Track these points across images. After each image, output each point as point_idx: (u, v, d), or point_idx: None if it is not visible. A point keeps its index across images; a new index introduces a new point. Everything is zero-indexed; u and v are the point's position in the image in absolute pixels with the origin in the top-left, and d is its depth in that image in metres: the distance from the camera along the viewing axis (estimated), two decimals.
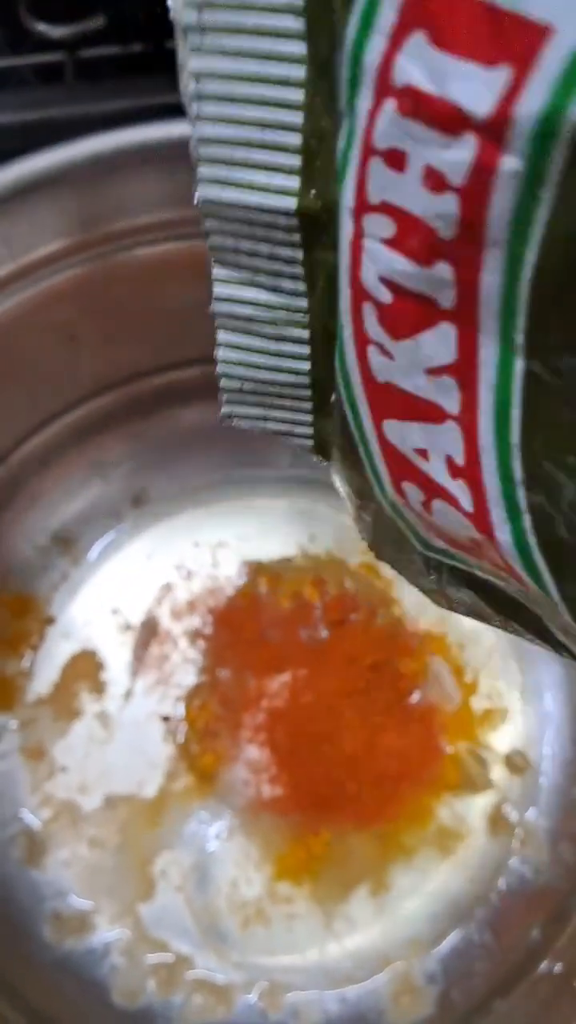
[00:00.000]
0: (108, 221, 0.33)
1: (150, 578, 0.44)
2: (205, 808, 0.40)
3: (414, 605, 0.43)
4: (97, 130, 0.48)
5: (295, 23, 0.13)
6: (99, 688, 0.41)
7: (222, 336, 0.17)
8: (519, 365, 0.12)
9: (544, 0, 0.10)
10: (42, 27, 0.49)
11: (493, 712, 0.42)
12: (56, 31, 0.49)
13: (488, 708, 0.42)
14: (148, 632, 0.42)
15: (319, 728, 0.40)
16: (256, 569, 0.44)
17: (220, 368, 0.18)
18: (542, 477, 0.13)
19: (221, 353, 0.17)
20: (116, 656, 0.42)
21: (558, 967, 0.34)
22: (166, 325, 0.38)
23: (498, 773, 0.41)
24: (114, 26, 0.48)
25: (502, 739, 0.41)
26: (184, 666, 0.42)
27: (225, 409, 0.18)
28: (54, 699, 0.41)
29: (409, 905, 0.39)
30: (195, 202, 0.15)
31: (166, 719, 0.41)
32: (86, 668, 0.42)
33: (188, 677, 0.42)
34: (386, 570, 0.44)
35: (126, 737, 0.41)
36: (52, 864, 0.40)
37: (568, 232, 0.11)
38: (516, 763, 0.41)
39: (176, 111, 0.51)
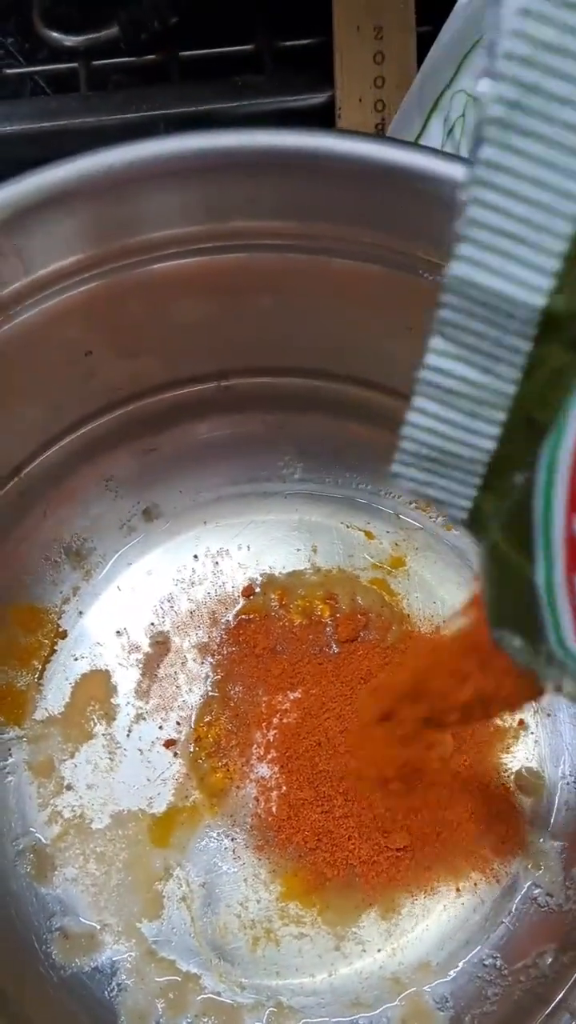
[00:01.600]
0: (123, 236, 0.32)
1: (161, 592, 0.43)
2: (214, 826, 0.40)
3: (425, 621, 0.43)
4: (110, 139, 0.48)
5: None
6: (110, 712, 0.41)
7: (419, 402, 0.18)
8: None
9: None
10: (56, 36, 0.49)
11: (505, 731, 0.41)
12: (70, 40, 0.49)
13: (500, 728, 0.41)
14: (160, 650, 0.42)
15: (332, 744, 0.39)
16: (267, 584, 0.44)
17: (406, 431, 0.18)
18: None
19: (412, 417, 0.18)
20: (127, 675, 0.42)
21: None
22: (179, 340, 0.37)
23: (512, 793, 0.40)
24: (128, 36, 0.48)
25: (514, 759, 0.41)
26: (194, 683, 0.42)
27: (395, 468, 0.19)
28: (65, 720, 0.41)
29: (420, 928, 0.39)
30: (444, 278, 0.16)
31: (171, 743, 0.41)
32: (98, 690, 0.41)
33: (198, 694, 0.42)
34: (397, 586, 0.44)
35: (135, 758, 0.41)
36: (60, 880, 0.39)
37: None
38: (529, 784, 0.40)
39: (189, 122, 0.51)
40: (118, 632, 0.42)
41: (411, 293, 0.34)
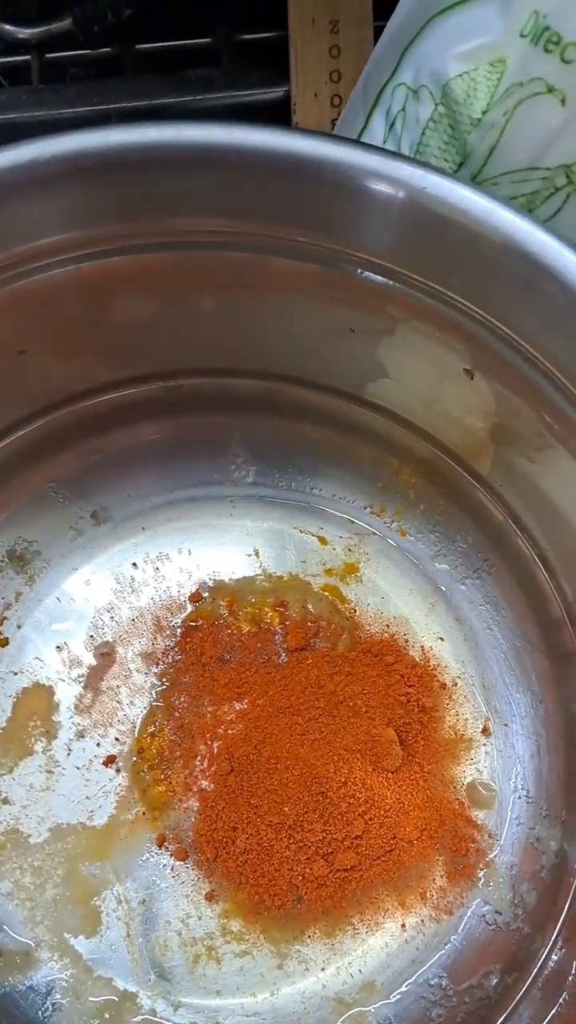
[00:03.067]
0: (51, 231, 0.31)
1: (105, 600, 0.42)
2: (157, 839, 0.39)
3: (376, 628, 0.42)
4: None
5: None
6: (51, 730, 0.40)
7: None
8: None
9: None
10: (9, 28, 0.48)
11: (458, 742, 0.40)
12: (23, 32, 0.48)
13: (452, 739, 0.40)
14: (104, 661, 0.41)
15: (278, 757, 0.38)
16: (216, 590, 0.42)
17: None
18: None
19: None
20: (69, 690, 0.41)
21: None
22: (120, 340, 0.36)
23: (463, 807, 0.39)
24: (81, 28, 0.46)
25: (467, 771, 0.40)
26: (138, 694, 0.41)
27: None
28: (5, 736, 0.40)
29: (366, 946, 0.38)
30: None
31: (111, 760, 0.39)
32: (39, 705, 0.40)
33: (141, 705, 0.40)
34: (349, 593, 0.43)
35: (76, 774, 0.40)
36: None
37: None
38: (480, 797, 0.39)
39: (142, 115, 0.50)
40: (58, 647, 0.41)
41: (352, 293, 0.32)
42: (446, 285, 0.29)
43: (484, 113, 0.30)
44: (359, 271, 0.31)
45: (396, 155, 0.27)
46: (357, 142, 0.27)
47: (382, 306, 0.32)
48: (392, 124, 0.33)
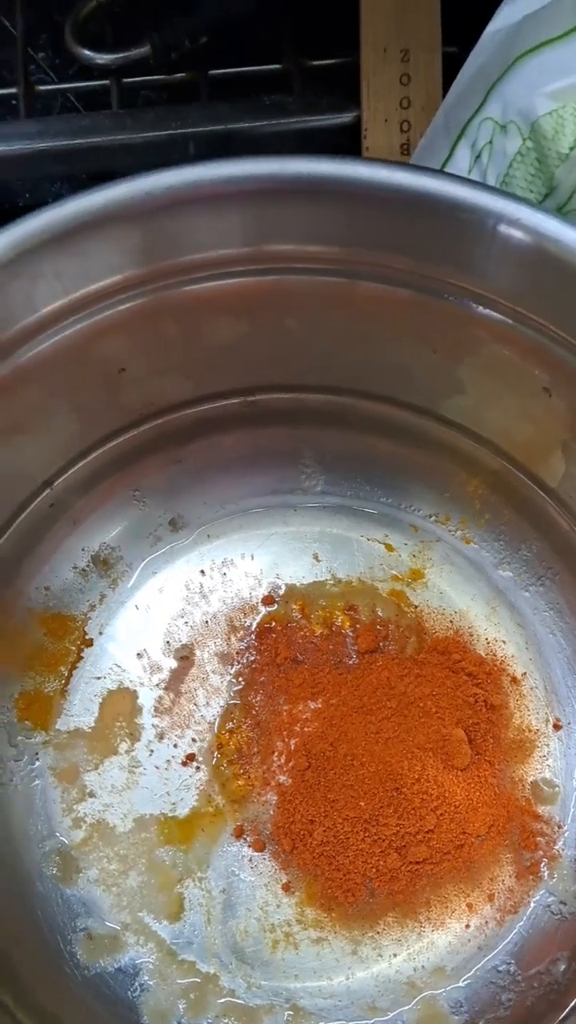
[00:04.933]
0: (158, 259, 0.33)
1: (186, 601, 0.44)
2: (235, 831, 0.41)
3: (442, 632, 0.44)
4: (140, 157, 0.49)
5: None
6: (135, 731, 0.42)
7: None
8: None
9: None
10: (88, 53, 0.50)
11: (523, 742, 0.42)
12: (102, 58, 0.50)
13: (518, 739, 0.42)
14: (184, 663, 0.43)
15: (354, 754, 0.40)
16: (288, 593, 0.45)
17: None
18: None
19: None
20: (151, 688, 0.43)
21: None
22: (209, 358, 0.38)
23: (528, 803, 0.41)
24: (159, 56, 0.49)
25: (532, 769, 0.42)
26: (216, 693, 0.43)
27: None
28: (93, 734, 0.42)
29: (435, 934, 0.39)
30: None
31: (191, 758, 0.42)
32: (124, 707, 0.42)
33: (220, 702, 0.43)
34: (415, 597, 0.45)
35: (159, 771, 0.42)
36: (84, 882, 0.40)
37: None
38: (545, 795, 0.41)
39: (217, 140, 0.52)
40: (138, 654, 0.43)
41: (438, 317, 0.34)
42: (554, 322, 0.31)
43: (572, 149, 0.32)
44: (449, 297, 0.33)
45: (518, 198, 0.29)
46: (470, 180, 0.29)
47: (468, 329, 0.34)
48: (478, 156, 0.35)
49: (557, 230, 0.30)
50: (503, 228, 0.30)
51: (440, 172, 0.31)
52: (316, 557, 0.45)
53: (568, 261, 0.30)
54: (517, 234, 0.30)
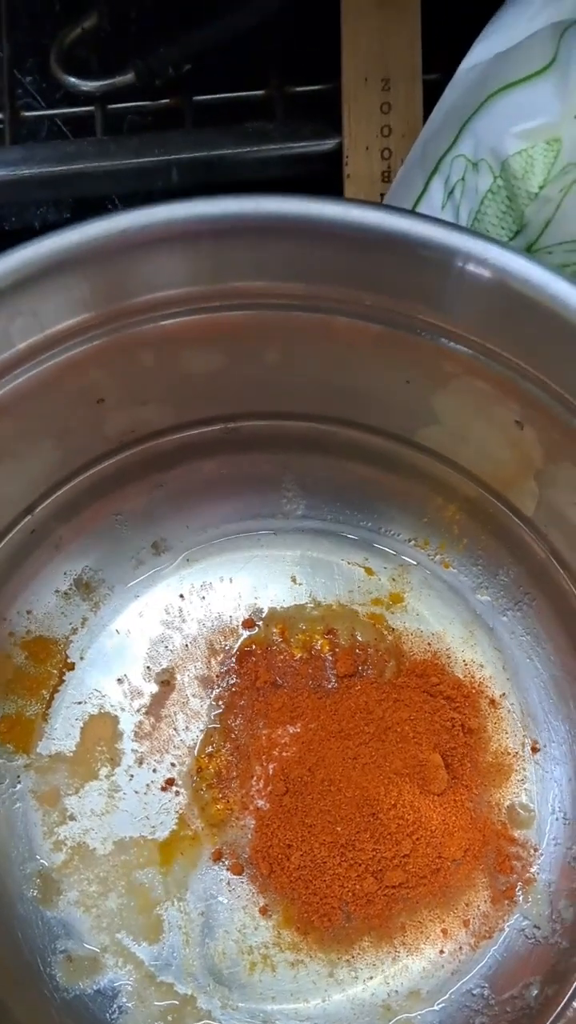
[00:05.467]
0: (133, 294, 0.33)
1: (167, 625, 0.45)
2: (214, 855, 0.41)
3: (421, 654, 0.44)
4: (124, 183, 0.50)
5: None
6: (115, 757, 0.43)
7: None
8: None
9: None
10: (73, 80, 0.51)
11: (500, 766, 0.42)
12: (87, 85, 0.50)
13: (495, 763, 0.42)
14: (165, 686, 0.43)
15: (331, 780, 0.41)
16: (269, 617, 0.45)
17: None
18: None
19: None
20: (132, 713, 0.43)
21: None
22: (188, 388, 0.39)
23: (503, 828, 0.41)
24: (143, 82, 0.49)
25: (508, 794, 0.42)
26: (196, 717, 0.43)
27: None
28: (75, 759, 0.42)
29: (411, 957, 0.40)
30: None
31: (171, 782, 0.42)
32: (104, 732, 0.43)
33: (200, 726, 0.43)
34: (395, 621, 0.45)
35: (138, 796, 0.42)
36: (64, 904, 0.41)
37: None
38: (520, 818, 0.41)
39: (200, 166, 0.52)
40: (119, 679, 0.44)
41: (410, 351, 0.35)
42: (522, 358, 0.31)
43: (541, 188, 0.32)
44: (421, 332, 0.33)
45: (486, 237, 0.29)
46: (440, 220, 0.30)
47: (439, 363, 0.35)
48: (451, 192, 0.35)
49: (524, 269, 0.30)
50: (471, 267, 0.31)
51: (409, 212, 0.31)
52: (296, 580, 0.46)
53: (534, 299, 0.30)
54: (485, 273, 0.31)
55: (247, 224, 0.32)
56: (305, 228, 0.32)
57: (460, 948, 0.40)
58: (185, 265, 0.33)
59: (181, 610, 0.45)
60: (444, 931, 0.40)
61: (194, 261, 0.33)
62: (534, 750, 0.42)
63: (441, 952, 0.40)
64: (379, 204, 0.38)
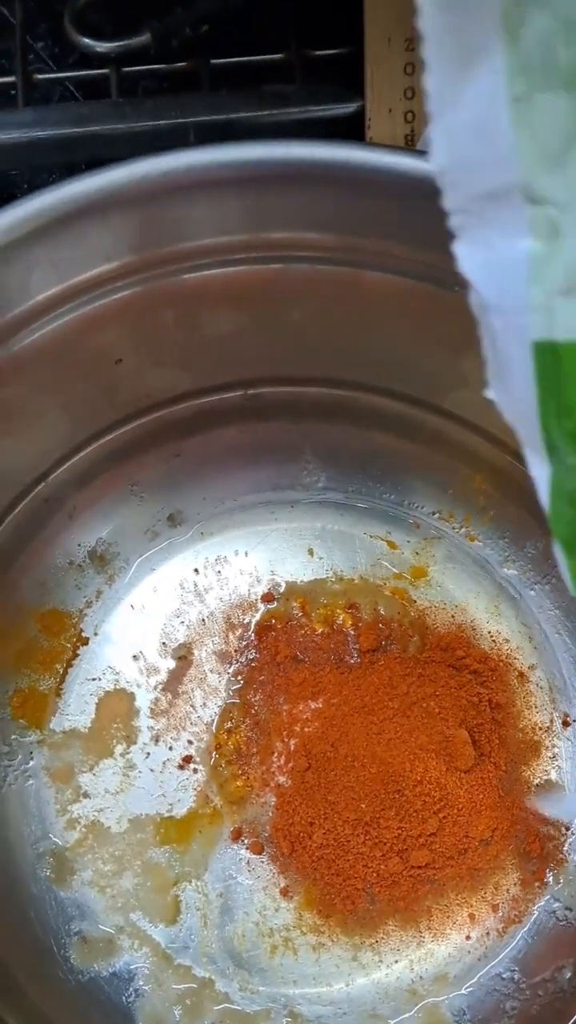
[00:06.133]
0: (156, 246, 0.32)
1: (182, 599, 0.43)
2: (233, 833, 0.40)
3: (446, 632, 0.43)
4: (140, 146, 0.48)
5: None
6: (131, 734, 0.41)
7: None
8: None
9: None
10: (88, 42, 0.49)
11: (530, 743, 0.41)
12: (101, 46, 0.49)
13: (524, 739, 0.41)
14: (183, 662, 0.42)
15: (355, 755, 0.39)
16: (289, 591, 0.44)
17: None
18: None
19: None
20: (149, 690, 0.42)
21: None
22: (209, 349, 0.38)
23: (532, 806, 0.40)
24: (159, 43, 0.48)
25: (537, 771, 0.41)
26: (214, 693, 0.42)
27: None
28: (90, 736, 0.41)
29: (438, 939, 0.39)
30: None
31: (188, 759, 0.41)
32: (121, 709, 0.41)
33: (218, 702, 0.42)
34: (419, 596, 0.44)
35: (155, 774, 0.41)
36: (78, 884, 0.39)
37: None
38: (550, 796, 0.40)
39: (218, 129, 0.51)
40: (142, 640, 0.42)
41: (442, 307, 0.34)
42: None
43: None
44: (454, 287, 0.32)
45: None
46: None
47: (471, 319, 0.34)
48: None
49: None
50: None
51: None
52: (317, 554, 0.44)
53: None
54: None
55: (275, 171, 0.31)
56: (335, 175, 0.30)
57: (488, 934, 0.39)
58: (210, 214, 0.32)
59: (197, 584, 0.44)
60: (471, 917, 0.39)
61: (219, 210, 0.32)
62: (565, 724, 0.41)
63: (468, 938, 0.39)
64: (411, 149, 0.37)
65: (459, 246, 0.21)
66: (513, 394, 0.22)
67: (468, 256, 0.21)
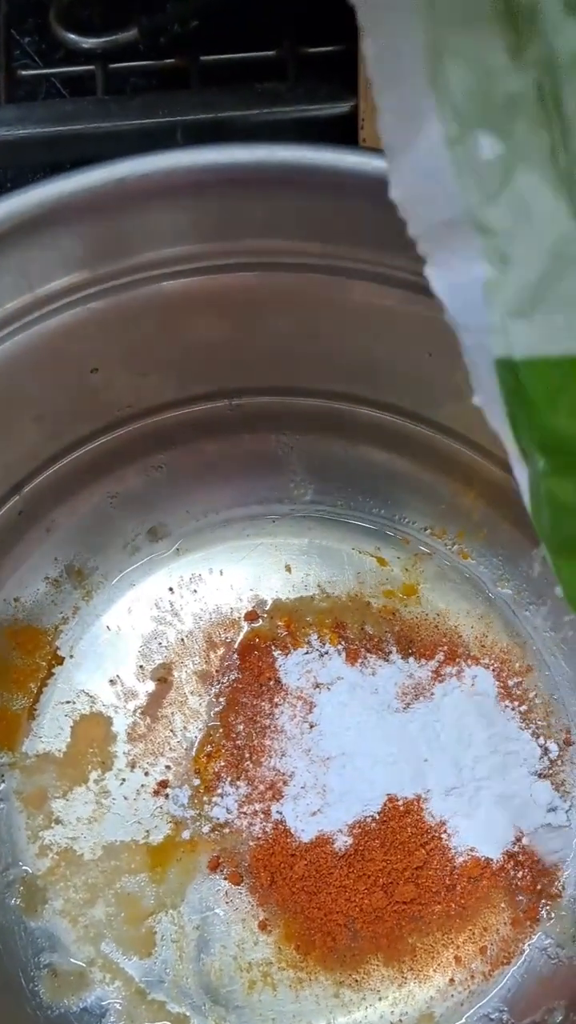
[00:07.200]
0: (131, 252, 0.31)
1: (163, 617, 0.42)
2: (211, 863, 0.38)
3: (437, 651, 0.41)
4: (127, 145, 0.47)
5: None
6: (107, 760, 0.40)
7: None
8: None
9: None
10: (73, 37, 0.48)
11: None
12: (88, 42, 0.47)
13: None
14: (162, 684, 0.41)
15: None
16: (274, 609, 0.42)
17: None
18: None
19: None
20: (127, 714, 0.40)
21: None
22: (190, 358, 0.36)
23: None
24: (147, 40, 0.46)
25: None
26: (195, 715, 0.40)
27: None
28: (63, 761, 0.39)
29: (423, 977, 0.37)
30: None
31: (164, 784, 0.39)
32: (97, 733, 0.40)
33: (198, 725, 0.40)
34: (408, 614, 0.42)
35: (131, 799, 0.39)
36: (49, 914, 0.38)
37: None
38: (544, 830, 0.38)
39: (207, 128, 0.50)
40: (120, 660, 0.41)
41: (433, 319, 0.32)
42: None
43: None
44: None
45: None
46: None
47: None
48: None
49: None
50: None
51: None
52: (303, 570, 0.43)
53: None
54: None
55: (258, 174, 0.29)
56: (321, 179, 0.29)
57: (472, 977, 0.37)
58: (189, 220, 0.30)
59: (178, 601, 0.42)
60: (457, 958, 0.37)
61: (199, 215, 0.30)
62: (567, 743, 0.39)
63: (452, 981, 0.37)
64: None
65: (428, 269, 0.23)
66: (490, 404, 0.23)
67: (437, 279, 0.23)
